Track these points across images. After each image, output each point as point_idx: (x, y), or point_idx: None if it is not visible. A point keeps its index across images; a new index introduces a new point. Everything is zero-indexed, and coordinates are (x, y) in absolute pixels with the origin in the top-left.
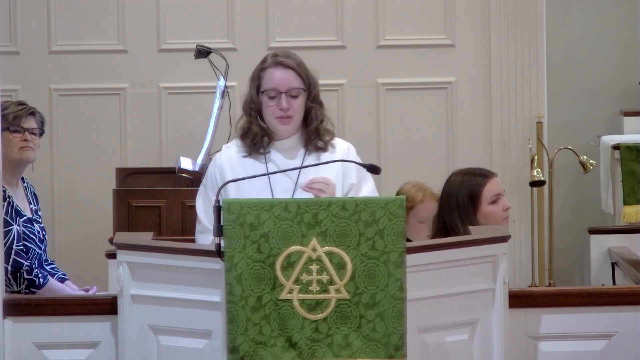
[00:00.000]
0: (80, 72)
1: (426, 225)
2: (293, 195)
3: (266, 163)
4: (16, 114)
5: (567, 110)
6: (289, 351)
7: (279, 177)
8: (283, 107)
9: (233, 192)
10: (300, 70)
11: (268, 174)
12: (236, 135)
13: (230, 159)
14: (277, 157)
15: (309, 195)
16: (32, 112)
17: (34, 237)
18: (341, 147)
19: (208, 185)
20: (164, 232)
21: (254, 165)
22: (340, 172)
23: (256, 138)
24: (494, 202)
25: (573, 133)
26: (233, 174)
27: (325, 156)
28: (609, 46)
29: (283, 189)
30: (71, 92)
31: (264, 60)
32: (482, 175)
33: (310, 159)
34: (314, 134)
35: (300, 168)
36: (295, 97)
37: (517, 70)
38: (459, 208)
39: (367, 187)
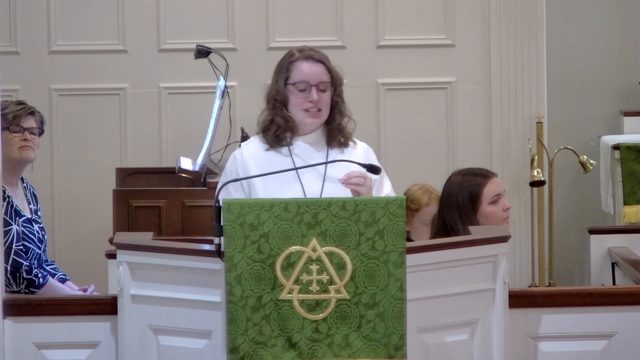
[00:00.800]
0: (80, 72)
1: (430, 228)
2: (322, 188)
3: (291, 156)
4: (16, 113)
5: (567, 110)
6: (289, 351)
7: (306, 170)
8: (314, 100)
9: (260, 187)
10: (329, 66)
11: (269, 173)
12: (257, 130)
13: (253, 154)
14: (301, 151)
15: (339, 188)
16: (32, 112)
17: (34, 237)
18: (361, 145)
19: (229, 184)
20: (164, 232)
21: (279, 159)
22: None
23: (279, 130)
24: (494, 202)
25: (573, 133)
26: (259, 167)
27: (347, 152)
28: (609, 46)
29: (311, 181)
30: (71, 92)
31: (292, 54)
32: (482, 176)
33: (333, 154)
34: (337, 130)
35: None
36: (323, 91)
37: (517, 70)
38: (459, 208)
39: (388, 185)
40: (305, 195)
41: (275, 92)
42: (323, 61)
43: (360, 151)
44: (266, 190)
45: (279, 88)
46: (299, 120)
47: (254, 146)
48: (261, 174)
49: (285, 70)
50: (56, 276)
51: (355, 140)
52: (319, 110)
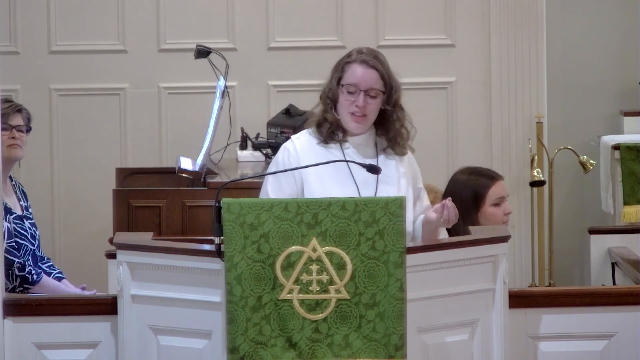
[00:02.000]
0: (80, 72)
1: None
2: (377, 187)
3: (343, 153)
4: (3, 111)
5: (567, 110)
6: (289, 351)
7: (361, 170)
8: (360, 105)
9: (315, 181)
10: (384, 73)
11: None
12: (311, 124)
13: (305, 147)
14: (351, 151)
15: (394, 189)
16: (19, 109)
17: (26, 234)
18: (409, 154)
19: (280, 173)
20: (164, 232)
21: (331, 155)
22: (410, 176)
23: (332, 126)
24: (496, 204)
25: (573, 133)
26: (316, 159)
27: (396, 159)
28: (609, 46)
29: (365, 182)
30: (71, 92)
31: (350, 54)
32: (489, 177)
33: (383, 158)
34: (398, 137)
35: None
36: (373, 97)
37: (517, 70)
38: (462, 205)
39: (426, 197)
40: (359, 195)
41: (328, 89)
42: (377, 68)
43: (406, 158)
44: (322, 187)
45: (332, 86)
46: (344, 122)
47: (306, 139)
48: (301, 166)
49: (341, 69)
50: (52, 274)
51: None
52: (364, 115)
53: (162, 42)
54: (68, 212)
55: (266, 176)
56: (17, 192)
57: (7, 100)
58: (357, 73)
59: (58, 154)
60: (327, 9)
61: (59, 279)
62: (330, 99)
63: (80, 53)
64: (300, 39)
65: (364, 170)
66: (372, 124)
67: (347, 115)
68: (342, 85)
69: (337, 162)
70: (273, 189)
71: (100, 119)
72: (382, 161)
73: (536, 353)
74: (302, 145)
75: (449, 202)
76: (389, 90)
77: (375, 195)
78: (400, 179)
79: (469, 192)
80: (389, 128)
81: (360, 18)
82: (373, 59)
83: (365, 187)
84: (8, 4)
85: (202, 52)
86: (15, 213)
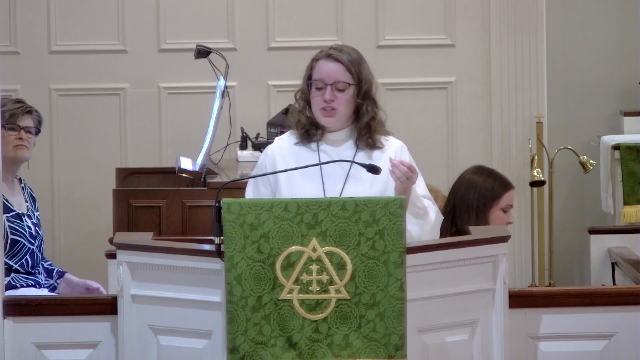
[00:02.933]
0: (80, 72)
1: None
2: (344, 186)
3: (318, 152)
4: (13, 111)
5: (567, 110)
6: (289, 351)
7: (330, 167)
8: (326, 99)
9: (284, 182)
10: (351, 66)
11: (291, 169)
12: (290, 125)
13: (282, 148)
14: (328, 148)
15: (361, 189)
16: (29, 111)
17: (24, 232)
18: (394, 145)
19: (258, 178)
20: (164, 232)
21: (306, 154)
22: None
23: (305, 127)
24: (504, 210)
25: (573, 133)
26: (285, 162)
27: (376, 153)
28: (609, 46)
29: (334, 178)
30: (71, 92)
31: (319, 52)
32: (506, 183)
33: (361, 155)
34: (365, 130)
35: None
36: (341, 90)
37: (517, 70)
38: (479, 196)
39: (422, 184)
40: (325, 194)
41: (300, 90)
42: (342, 61)
43: (392, 150)
44: (289, 187)
45: (303, 87)
46: (317, 118)
47: (286, 140)
48: (273, 172)
49: (310, 68)
50: (55, 270)
51: (389, 138)
52: (333, 109)
53: (162, 42)
54: (68, 212)
55: (249, 179)
56: (25, 195)
57: (19, 101)
58: (323, 68)
59: (58, 154)
60: (327, 9)
61: (62, 274)
62: (303, 99)
63: (80, 53)
64: (300, 39)
65: (334, 167)
66: (351, 120)
67: (318, 111)
68: (311, 83)
69: (307, 159)
70: (251, 192)
71: (100, 119)
72: (361, 158)
73: (536, 353)
74: (280, 146)
75: (395, 161)
76: (358, 83)
77: (341, 193)
78: (375, 177)
79: (488, 189)
80: (360, 120)
81: (360, 18)
82: (338, 53)
83: (334, 184)
84: (8, 4)
85: (202, 52)
86: (15, 211)
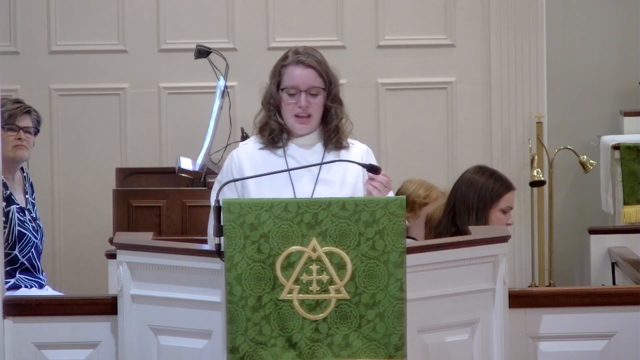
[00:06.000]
0: (80, 72)
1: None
2: (314, 189)
3: (285, 157)
4: (12, 112)
5: (567, 110)
6: (289, 351)
7: (300, 171)
8: (302, 106)
9: (253, 187)
10: (321, 69)
11: (284, 170)
12: (254, 130)
13: (249, 153)
14: (296, 152)
15: (331, 191)
16: (28, 111)
17: (28, 226)
18: (359, 147)
19: (223, 182)
20: (164, 232)
21: (273, 159)
22: (361, 171)
23: (274, 133)
24: (504, 212)
25: (573, 133)
26: (253, 167)
27: (343, 154)
28: (609, 46)
29: (304, 183)
30: (71, 92)
31: (285, 57)
32: (507, 184)
33: (329, 157)
34: (334, 133)
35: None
36: (314, 95)
37: (517, 70)
38: (480, 196)
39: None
40: (295, 196)
41: (269, 95)
42: (313, 66)
43: (358, 153)
44: (259, 191)
45: (272, 92)
46: (290, 125)
47: (251, 146)
48: (251, 176)
49: (278, 74)
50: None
51: (354, 141)
52: (309, 115)
53: (162, 42)
54: (68, 212)
55: (214, 186)
56: (26, 185)
57: (17, 101)
58: (295, 74)
59: (58, 154)
60: (327, 9)
61: (40, 285)
62: (272, 105)
63: (80, 53)
64: (300, 39)
65: (303, 171)
66: (318, 123)
67: (292, 118)
68: (282, 89)
69: (275, 164)
70: (214, 196)
71: (100, 119)
72: (329, 159)
73: (536, 353)
74: (246, 151)
75: (377, 177)
76: (329, 86)
77: (312, 196)
78: (346, 178)
79: (489, 189)
80: (329, 123)
81: (360, 18)
82: (308, 57)
83: (304, 188)
84: (8, 4)
85: (202, 52)
86: (19, 204)
